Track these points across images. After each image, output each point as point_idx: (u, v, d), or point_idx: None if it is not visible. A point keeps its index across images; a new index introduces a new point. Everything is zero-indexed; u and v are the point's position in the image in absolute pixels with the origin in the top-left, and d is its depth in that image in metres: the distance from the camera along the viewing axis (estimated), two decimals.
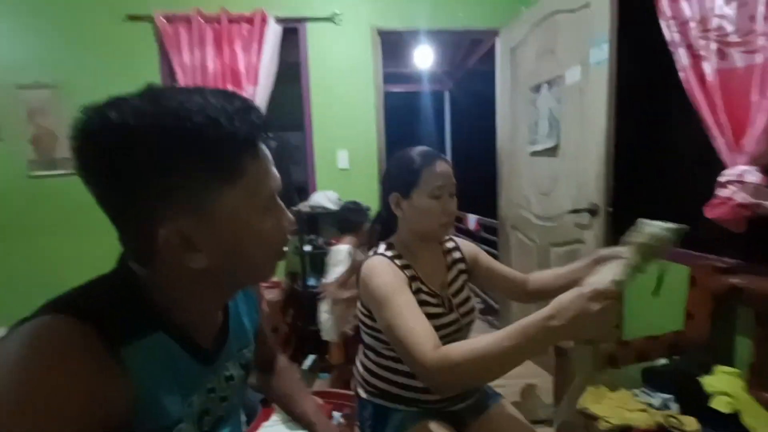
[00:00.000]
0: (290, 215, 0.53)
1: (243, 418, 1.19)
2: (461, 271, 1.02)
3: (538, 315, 0.60)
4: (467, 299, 1.00)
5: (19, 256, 2.34)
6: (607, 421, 1.12)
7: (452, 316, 0.94)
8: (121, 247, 0.48)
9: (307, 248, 2.30)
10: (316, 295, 2.29)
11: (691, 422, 1.07)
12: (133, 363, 0.42)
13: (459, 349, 0.65)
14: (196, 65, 2.25)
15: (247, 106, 0.45)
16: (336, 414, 1.23)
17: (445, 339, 0.90)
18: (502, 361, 0.62)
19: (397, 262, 0.90)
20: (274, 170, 0.49)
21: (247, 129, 0.43)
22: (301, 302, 2.33)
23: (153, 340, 0.45)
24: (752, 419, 1.04)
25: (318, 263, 2.49)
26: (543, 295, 1.01)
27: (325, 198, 2.29)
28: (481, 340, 0.63)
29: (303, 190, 2.58)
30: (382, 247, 0.95)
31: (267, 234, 0.48)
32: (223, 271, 0.46)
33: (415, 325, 0.72)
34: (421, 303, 0.87)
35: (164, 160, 0.40)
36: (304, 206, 2.30)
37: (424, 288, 0.92)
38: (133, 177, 0.40)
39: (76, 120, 0.40)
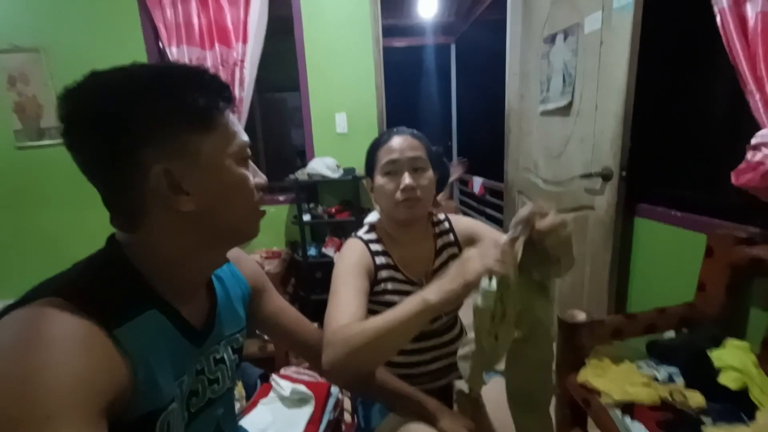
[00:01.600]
0: (262, 174, 0.57)
1: (242, 392, 1.20)
2: (452, 256, 0.95)
3: (418, 295, 0.63)
4: None
5: (10, 229, 2.33)
6: (608, 395, 1.09)
7: None
8: (109, 214, 0.50)
9: (307, 217, 2.24)
10: (316, 264, 2.27)
11: (696, 397, 1.04)
12: (130, 343, 0.43)
13: (356, 325, 0.66)
14: (180, 22, 2.09)
15: (211, 73, 0.52)
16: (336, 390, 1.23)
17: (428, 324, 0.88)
18: (388, 338, 0.62)
19: (372, 247, 0.89)
20: (241, 129, 0.53)
21: (213, 89, 0.50)
22: (302, 272, 2.32)
23: (146, 318, 0.47)
24: (761, 394, 1.01)
25: (318, 233, 2.45)
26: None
27: (323, 165, 2.19)
28: (375, 319, 0.64)
29: (304, 155, 2.48)
30: (363, 230, 0.95)
31: (247, 183, 0.52)
32: (209, 218, 0.49)
33: (341, 303, 0.73)
34: (391, 292, 0.87)
35: (148, 110, 0.45)
36: (301, 174, 2.21)
37: (399, 276, 0.89)
38: (122, 128, 0.44)
39: (64, 87, 0.45)
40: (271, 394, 1.14)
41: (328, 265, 2.28)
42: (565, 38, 1.80)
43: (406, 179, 0.85)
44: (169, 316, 0.50)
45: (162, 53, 2.22)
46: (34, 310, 0.40)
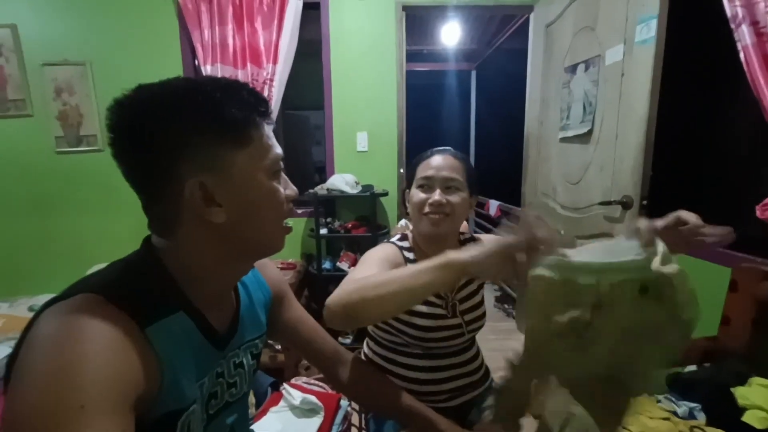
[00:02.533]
0: (293, 186, 0.58)
1: (252, 399, 1.21)
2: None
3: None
4: (476, 306, 0.96)
5: (45, 230, 2.44)
6: (626, 429, 1.06)
7: (454, 321, 0.92)
8: (147, 219, 0.52)
9: (323, 231, 2.28)
10: (330, 277, 2.30)
11: None
12: (159, 342, 0.45)
13: (351, 286, 0.63)
14: (216, 42, 2.22)
15: (250, 87, 0.53)
16: (344, 402, 1.22)
17: (444, 341, 0.91)
18: (395, 287, 0.58)
19: (405, 253, 0.92)
20: (276, 142, 0.55)
21: (251, 103, 0.51)
22: (315, 284, 2.34)
23: (174, 319, 0.48)
24: None
25: (334, 247, 2.48)
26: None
27: (342, 181, 2.25)
28: (376, 277, 0.63)
29: (323, 171, 2.55)
30: (396, 237, 0.97)
31: (278, 197, 0.53)
32: (238, 230, 0.51)
33: (359, 272, 0.75)
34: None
35: (186, 125, 0.47)
36: (320, 189, 2.27)
37: None
38: (160, 141, 0.47)
39: (113, 99, 0.48)
40: (282, 402, 1.15)
41: (341, 279, 2.28)
42: (586, 69, 1.83)
43: (436, 195, 0.88)
44: (195, 319, 0.51)
45: (197, 70, 2.36)
46: (74, 305, 0.42)
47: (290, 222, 0.58)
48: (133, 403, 0.40)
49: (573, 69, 1.93)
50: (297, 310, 0.77)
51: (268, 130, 0.54)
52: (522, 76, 2.48)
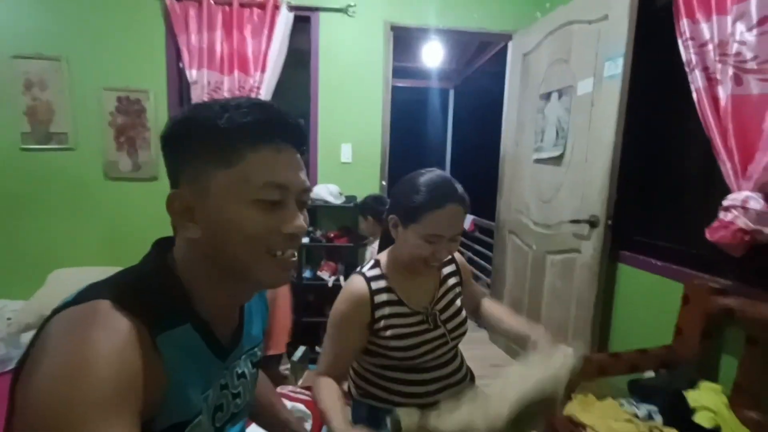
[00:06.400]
0: (299, 221, 0.51)
1: None
2: (455, 284, 1.02)
3: (340, 424, 0.74)
4: (457, 313, 0.99)
5: (7, 231, 2.29)
6: (594, 430, 1.15)
7: (437, 332, 0.94)
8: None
9: (305, 240, 2.29)
10: (309, 287, 2.30)
11: None
12: (167, 352, 0.45)
13: (318, 387, 0.85)
14: (204, 47, 2.20)
15: (259, 103, 0.50)
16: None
17: (431, 354, 0.93)
18: (321, 416, 0.80)
19: (374, 284, 0.92)
20: (287, 168, 0.51)
21: (246, 122, 0.48)
22: (295, 293, 2.33)
23: (181, 331, 0.48)
24: None
25: (315, 255, 2.49)
26: (487, 323, 1.06)
27: (326, 191, 2.28)
28: (326, 397, 0.82)
29: None
30: (368, 265, 0.97)
31: (249, 226, 0.48)
32: (217, 253, 0.49)
33: (328, 351, 0.91)
34: (394, 326, 0.91)
35: (182, 141, 0.50)
36: None
37: (402, 310, 0.92)
38: (168, 153, 0.51)
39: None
40: None
41: (321, 288, 2.31)
42: (560, 97, 1.99)
43: (443, 252, 0.87)
44: (201, 332, 0.51)
45: (181, 73, 2.33)
46: (88, 310, 0.42)
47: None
48: (140, 409, 0.40)
49: (547, 96, 2.09)
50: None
51: (278, 156, 0.50)
52: (498, 97, 2.63)
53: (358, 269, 0.96)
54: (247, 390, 0.63)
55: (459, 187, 0.88)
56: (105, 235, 2.34)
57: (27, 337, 1.88)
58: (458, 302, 1.01)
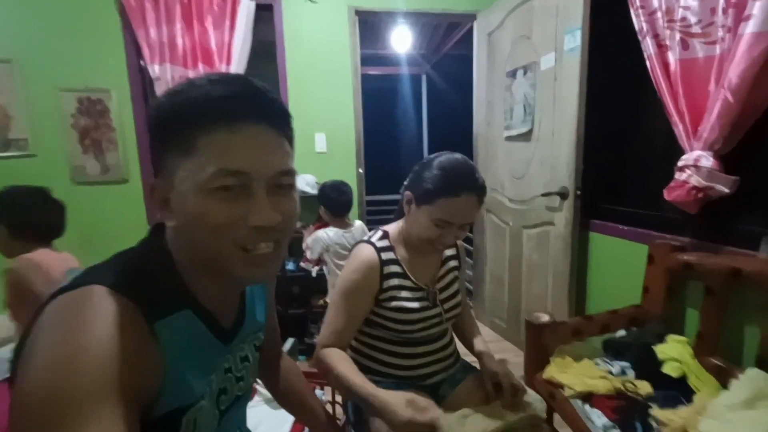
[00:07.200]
0: (268, 212, 0.46)
1: None
2: (453, 268, 1.05)
3: (371, 388, 0.77)
4: (454, 295, 1.02)
5: None
6: (571, 388, 1.21)
7: (435, 311, 0.97)
8: None
9: None
10: (293, 278, 2.30)
11: (645, 386, 1.18)
12: (165, 338, 0.44)
13: (330, 357, 0.85)
14: (164, 41, 2.14)
15: (212, 79, 0.45)
16: (319, 392, 1.26)
17: (426, 331, 0.95)
18: (338, 384, 0.83)
19: (383, 255, 0.93)
20: (245, 151, 0.44)
21: (202, 103, 0.43)
22: (279, 286, 2.32)
23: (181, 316, 0.47)
24: (698, 381, 1.16)
25: (296, 247, 2.48)
26: (457, 332, 1.11)
27: (303, 182, 2.27)
28: (343, 365, 0.84)
29: None
30: (377, 235, 0.97)
31: (211, 219, 0.44)
32: (192, 242, 0.47)
33: (334, 320, 0.90)
34: (399, 298, 0.92)
35: (153, 133, 0.48)
36: None
37: (407, 283, 0.94)
38: (151, 137, 0.49)
39: None
40: (256, 397, 1.16)
41: (305, 280, 2.31)
42: (525, 73, 2.03)
43: (451, 238, 0.89)
44: (202, 317, 0.50)
45: (143, 70, 2.25)
46: (82, 295, 0.41)
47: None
48: (136, 395, 0.40)
49: (513, 73, 2.12)
50: (272, 304, 0.77)
51: (228, 137, 0.44)
52: (468, 80, 2.65)
53: (366, 238, 0.97)
54: (251, 373, 0.63)
55: (479, 177, 0.87)
56: (78, 242, 2.25)
57: (5, 351, 1.82)
58: (456, 285, 1.04)
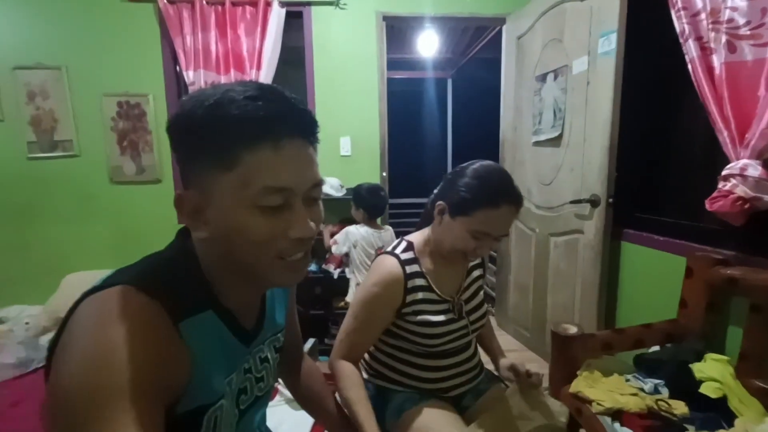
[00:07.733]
0: (307, 224, 0.48)
1: None
2: (478, 277, 1.03)
3: (372, 425, 0.79)
4: (480, 305, 1.00)
5: (18, 239, 2.36)
6: (600, 404, 1.16)
7: (461, 323, 0.94)
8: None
9: None
10: (315, 280, 2.32)
11: (680, 406, 1.11)
12: (190, 338, 0.45)
13: (343, 377, 0.86)
14: (199, 48, 2.23)
15: (254, 95, 0.44)
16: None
17: (451, 344, 0.93)
18: (344, 405, 0.84)
19: (408, 268, 0.90)
20: (289, 168, 0.45)
21: (243, 119, 0.43)
22: (301, 286, 2.35)
23: (204, 317, 0.49)
24: (739, 403, 1.09)
25: (320, 249, 2.51)
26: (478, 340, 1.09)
27: (327, 185, 2.29)
28: (355, 392, 0.83)
29: None
30: (401, 246, 0.94)
31: (254, 233, 0.45)
32: (226, 252, 0.48)
33: (351, 331, 0.89)
34: (423, 312, 0.91)
35: (183, 143, 0.47)
36: None
37: (432, 296, 0.92)
38: (174, 150, 0.48)
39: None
40: (278, 397, 1.18)
41: (327, 281, 2.34)
42: (555, 78, 1.98)
43: (486, 250, 0.87)
44: (224, 318, 0.51)
45: (179, 76, 2.36)
46: (112, 295, 0.42)
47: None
48: (163, 393, 0.41)
49: (543, 78, 2.07)
50: (293, 307, 0.78)
51: (274, 155, 0.44)
52: (494, 84, 2.61)
53: (390, 249, 0.94)
54: (270, 374, 0.64)
55: (517, 187, 0.85)
56: (113, 239, 2.39)
57: (45, 339, 1.94)
58: (481, 294, 1.02)
